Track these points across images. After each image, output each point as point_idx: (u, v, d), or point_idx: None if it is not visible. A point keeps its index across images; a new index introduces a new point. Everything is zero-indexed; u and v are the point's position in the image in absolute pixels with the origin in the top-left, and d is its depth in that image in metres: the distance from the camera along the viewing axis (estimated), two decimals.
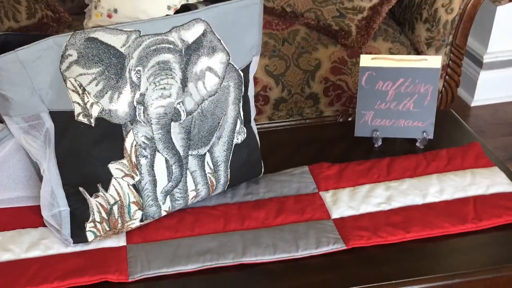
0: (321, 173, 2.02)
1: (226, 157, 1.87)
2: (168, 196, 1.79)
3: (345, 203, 1.90)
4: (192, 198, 1.84)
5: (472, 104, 3.49)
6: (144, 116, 1.70)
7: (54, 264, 1.72)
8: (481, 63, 3.46)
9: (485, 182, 1.97)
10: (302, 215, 1.86)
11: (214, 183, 1.86)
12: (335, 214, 1.87)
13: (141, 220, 1.78)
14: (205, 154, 1.83)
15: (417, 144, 2.16)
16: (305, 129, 2.39)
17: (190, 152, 1.79)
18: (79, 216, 1.74)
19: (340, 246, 1.77)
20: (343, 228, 1.82)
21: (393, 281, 1.69)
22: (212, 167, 1.85)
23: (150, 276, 1.70)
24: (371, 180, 1.99)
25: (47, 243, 1.78)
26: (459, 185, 1.96)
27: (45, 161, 1.70)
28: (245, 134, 1.91)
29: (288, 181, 2.00)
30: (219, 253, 1.74)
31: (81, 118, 1.65)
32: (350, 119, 2.60)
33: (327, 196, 1.93)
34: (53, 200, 1.73)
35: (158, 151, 1.74)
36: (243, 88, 1.86)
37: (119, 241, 1.79)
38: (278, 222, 1.85)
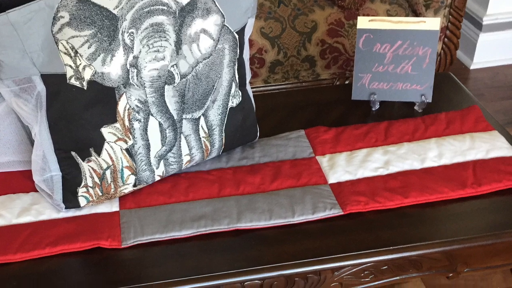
0: (317, 137, 1.99)
1: (220, 121, 1.84)
2: (161, 161, 1.77)
3: (342, 167, 1.88)
4: (186, 163, 1.82)
5: (472, 67, 3.46)
6: (137, 79, 1.67)
7: (45, 230, 1.70)
8: (481, 25, 3.42)
9: (484, 146, 1.95)
10: (298, 180, 1.84)
11: (209, 147, 1.84)
12: (332, 179, 1.85)
13: (134, 185, 1.76)
14: (199, 117, 1.80)
15: (415, 107, 2.14)
16: (301, 93, 2.36)
17: (184, 116, 1.76)
18: (71, 181, 1.72)
19: (337, 212, 1.75)
20: (340, 193, 1.80)
21: (391, 247, 1.67)
22: (206, 131, 1.82)
23: (143, 242, 1.68)
24: (369, 145, 1.97)
25: (38, 208, 1.76)
26: (458, 149, 1.94)
27: (37, 125, 1.68)
28: (240, 98, 1.88)
29: (284, 145, 1.97)
30: (213, 219, 1.72)
31: (73, 81, 1.62)
32: (347, 82, 2.57)
33: (323, 161, 1.91)
34: (45, 164, 1.71)
35: (152, 114, 1.71)
36: (238, 51, 1.82)
37: (112, 207, 1.77)
38: (274, 187, 1.82)
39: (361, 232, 1.72)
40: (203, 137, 1.82)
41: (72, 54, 1.60)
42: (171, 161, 1.79)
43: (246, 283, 1.63)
